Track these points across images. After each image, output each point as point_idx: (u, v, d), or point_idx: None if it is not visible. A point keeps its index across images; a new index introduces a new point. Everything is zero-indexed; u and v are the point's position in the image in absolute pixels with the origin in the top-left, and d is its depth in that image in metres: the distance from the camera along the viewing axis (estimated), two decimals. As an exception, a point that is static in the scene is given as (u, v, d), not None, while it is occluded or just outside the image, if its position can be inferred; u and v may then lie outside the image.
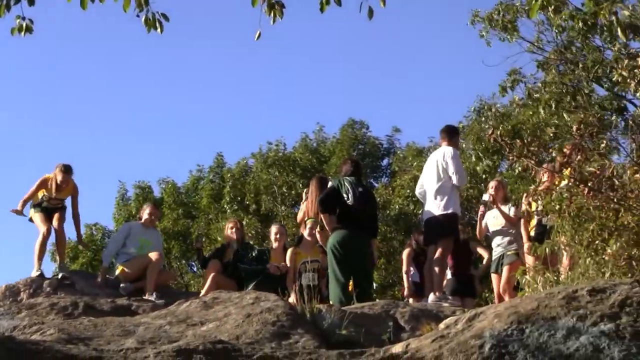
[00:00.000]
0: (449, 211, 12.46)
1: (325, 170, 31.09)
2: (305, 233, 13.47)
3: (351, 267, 11.80)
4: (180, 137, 61.96)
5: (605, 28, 17.57)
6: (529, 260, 10.94)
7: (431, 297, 12.21)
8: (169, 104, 60.64)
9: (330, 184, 12.60)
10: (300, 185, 31.11)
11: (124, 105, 60.95)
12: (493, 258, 13.61)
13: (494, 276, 13.57)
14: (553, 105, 20.61)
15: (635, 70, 10.47)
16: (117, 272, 13.64)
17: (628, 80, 11.02)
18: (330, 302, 11.13)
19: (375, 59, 60.10)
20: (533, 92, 21.72)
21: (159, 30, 8.83)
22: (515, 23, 21.38)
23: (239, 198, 33.58)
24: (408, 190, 27.61)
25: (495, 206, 13.29)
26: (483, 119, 25.10)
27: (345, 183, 12.17)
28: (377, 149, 35.89)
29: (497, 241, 13.42)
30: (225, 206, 33.54)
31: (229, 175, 34.86)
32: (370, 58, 60.50)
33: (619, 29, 7.67)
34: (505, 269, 13.01)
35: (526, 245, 11.78)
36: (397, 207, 28.59)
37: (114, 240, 14.67)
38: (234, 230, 14.09)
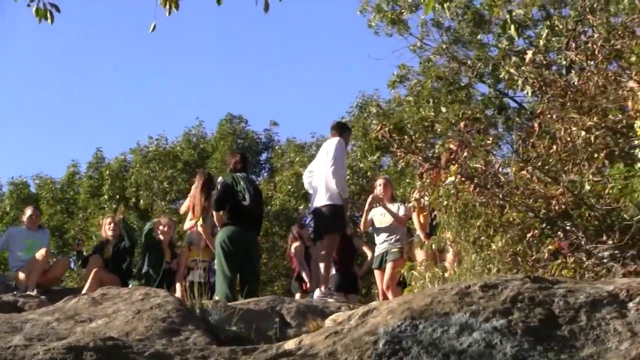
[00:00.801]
0: (337, 203, 12.37)
1: (207, 165, 30.98)
2: (201, 230, 13.32)
3: (240, 263, 11.75)
4: (58, 132, 61.11)
5: (496, 24, 17.84)
6: (420, 255, 10.97)
7: (317, 292, 12.16)
8: (47, 96, 59.70)
9: (221, 179, 12.41)
10: (181, 180, 31.00)
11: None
12: (376, 254, 13.58)
13: (376, 272, 13.55)
14: (431, 101, 20.84)
15: (523, 68, 10.60)
16: (15, 281, 13.53)
17: (515, 77, 11.15)
18: (216, 298, 11.07)
19: (254, 51, 60.12)
20: (415, 88, 21.90)
21: (49, 21, 8.66)
22: (403, 18, 21.56)
23: (118, 195, 33.33)
24: (289, 186, 27.72)
25: (383, 206, 13.28)
26: (365, 115, 25.28)
27: (241, 182, 12.07)
28: (255, 143, 35.93)
29: (382, 237, 13.39)
30: (104, 202, 33.22)
31: (107, 172, 34.53)
32: (249, 50, 60.49)
33: (512, 27, 7.72)
34: (389, 265, 13.04)
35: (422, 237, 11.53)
36: (278, 202, 28.67)
37: None
38: (111, 226, 14.04)
